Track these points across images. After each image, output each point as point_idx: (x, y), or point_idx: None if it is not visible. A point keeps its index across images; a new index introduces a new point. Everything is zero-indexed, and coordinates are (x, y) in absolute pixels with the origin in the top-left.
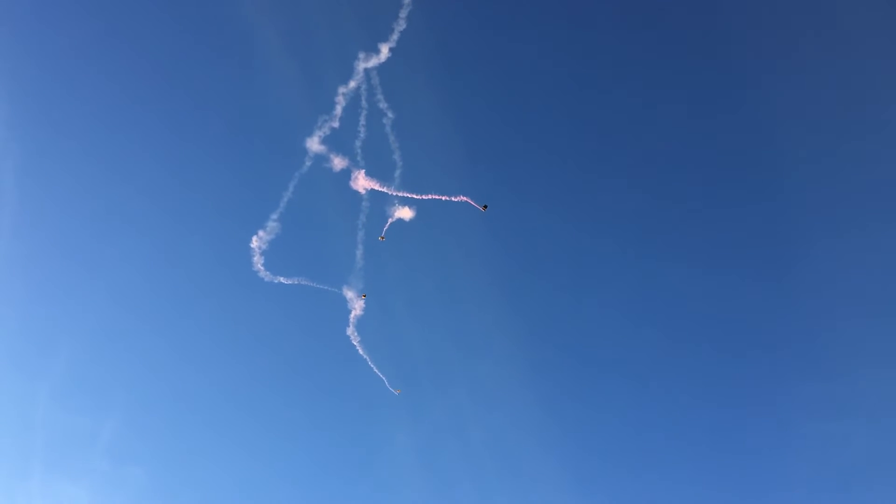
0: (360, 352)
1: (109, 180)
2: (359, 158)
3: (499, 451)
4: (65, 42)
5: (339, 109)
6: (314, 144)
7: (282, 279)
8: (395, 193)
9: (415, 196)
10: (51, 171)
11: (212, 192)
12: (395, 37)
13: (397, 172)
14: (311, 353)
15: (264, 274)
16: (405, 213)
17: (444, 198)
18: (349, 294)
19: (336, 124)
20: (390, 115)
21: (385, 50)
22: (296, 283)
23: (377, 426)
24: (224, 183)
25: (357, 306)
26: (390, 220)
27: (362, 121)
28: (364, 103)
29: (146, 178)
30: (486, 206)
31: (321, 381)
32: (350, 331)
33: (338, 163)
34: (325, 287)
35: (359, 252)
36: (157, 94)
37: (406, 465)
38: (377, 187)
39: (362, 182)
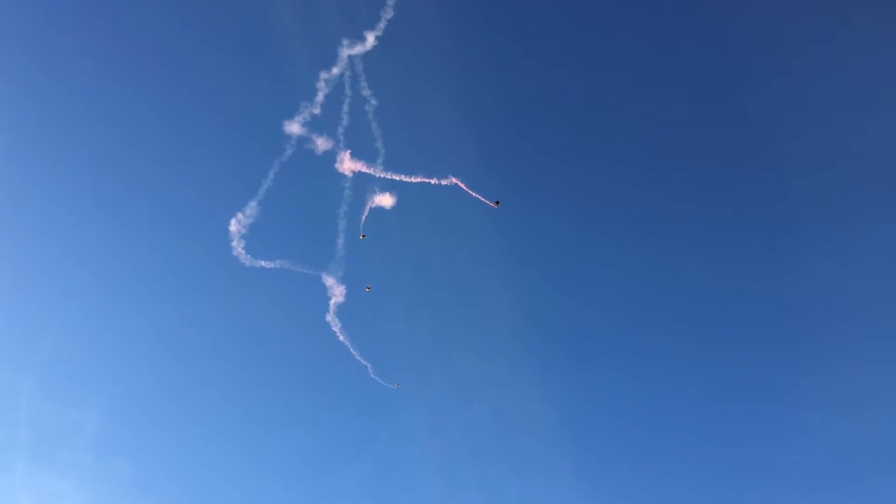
0: (341, 339)
1: (90, 170)
2: (341, 146)
3: (488, 446)
4: (45, 28)
5: (321, 96)
6: (296, 130)
7: (263, 263)
8: (382, 175)
9: (403, 178)
10: (30, 160)
11: (191, 179)
12: (381, 25)
13: (381, 158)
14: (298, 343)
15: (245, 258)
16: (385, 201)
17: (433, 181)
18: (329, 281)
19: (318, 111)
20: (374, 102)
21: (371, 38)
22: (278, 266)
23: (367, 418)
24: (202, 168)
25: (338, 292)
26: (368, 207)
27: (345, 108)
28: (347, 90)
29: (127, 168)
30: (497, 202)
31: (308, 371)
32: (330, 317)
33: (321, 144)
34: (310, 271)
35: (340, 241)
36: (135, 79)
37: (398, 459)
38: (364, 169)
39: (348, 164)
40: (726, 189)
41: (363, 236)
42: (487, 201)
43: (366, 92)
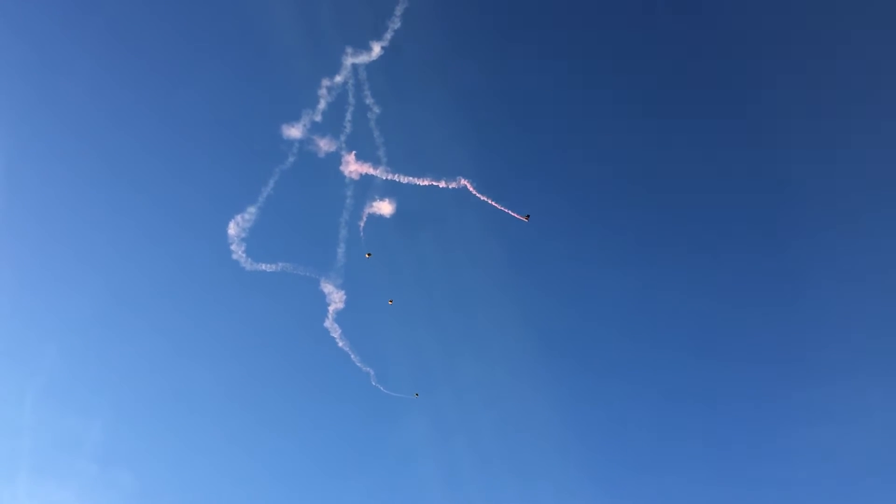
0: (340, 345)
1: (95, 175)
2: (342, 152)
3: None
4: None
5: (323, 104)
6: (298, 136)
7: (265, 266)
8: (388, 177)
9: (411, 180)
10: (34, 167)
11: (193, 185)
12: (388, 35)
13: (384, 164)
14: (303, 351)
15: (246, 262)
16: (384, 208)
17: (441, 184)
18: (327, 288)
19: (319, 118)
20: (377, 110)
21: (377, 48)
22: (279, 269)
23: (372, 425)
24: (204, 174)
25: (337, 299)
26: (366, 213)
27: (348, 116)
28: (351, 99)
29: (130, 172)
30: (528, 216)
31: (315, 379)
32: (328, 323)
33: (324, 146)
34: (313, 275)
35: (340, 250)
36: (139, 83)
37: (404, 466)
38: (370, 170)
39: (354, 166)
40: (735, 197)
41: (369, 255)
42: (518, 215)
43: (369, 100)
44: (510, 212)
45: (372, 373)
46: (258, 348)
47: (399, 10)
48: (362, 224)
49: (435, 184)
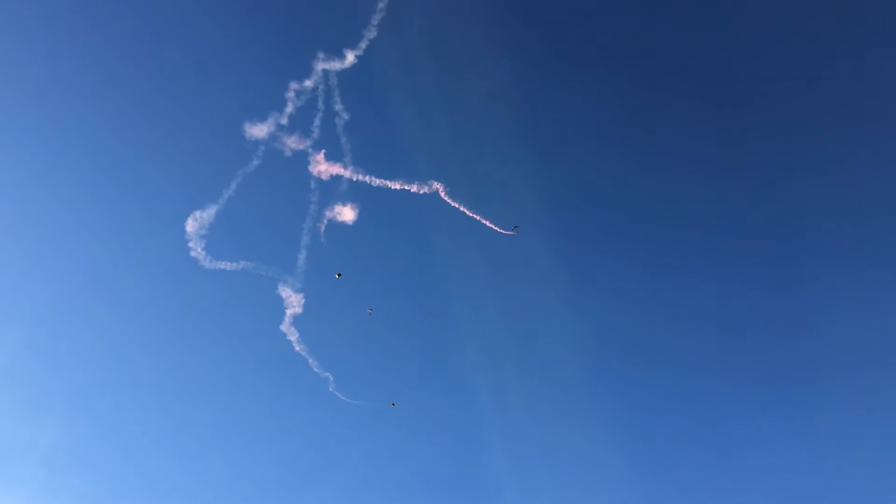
0: (297, 349)
1: (54, 171)
2: (310, 150)
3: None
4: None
5: (291, 107)
6: (262, 137)
7: (225, 265)
8: (357, 178)
9: (384, 182)
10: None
11: (154, 183)
12: (363, 44)
13: (353, 160)
14: (263, 352)
15: (205, 260)
16: (346, 214)
17: (412, 187)
18: (286, 292)
19: (285, 121)
20: (345, 116)
21: (350, 56)
22: (240, 268)
23: (339, 432)
24: (166, 169)
25: (296, 303)
26: (326, 218)
27: (317, 122)
28: (321, 104)
29: (89, 168)
30: (516, 228)
31: (279, 381)
32: (285, 326)
33: (291, 144)
34: (274, 276)
35: (301, 256)
36: (99, 74)
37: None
38: (340, 170)
39: (323, 166)
40: (735, 225)
41: (339, 275)
42: (504, 230)
43: (339, 107)
44: (497, 227)
45: (331, 378)
46: (216, 349)
47: (376, 20)
48: (322, 227)
49: (406, 187)
